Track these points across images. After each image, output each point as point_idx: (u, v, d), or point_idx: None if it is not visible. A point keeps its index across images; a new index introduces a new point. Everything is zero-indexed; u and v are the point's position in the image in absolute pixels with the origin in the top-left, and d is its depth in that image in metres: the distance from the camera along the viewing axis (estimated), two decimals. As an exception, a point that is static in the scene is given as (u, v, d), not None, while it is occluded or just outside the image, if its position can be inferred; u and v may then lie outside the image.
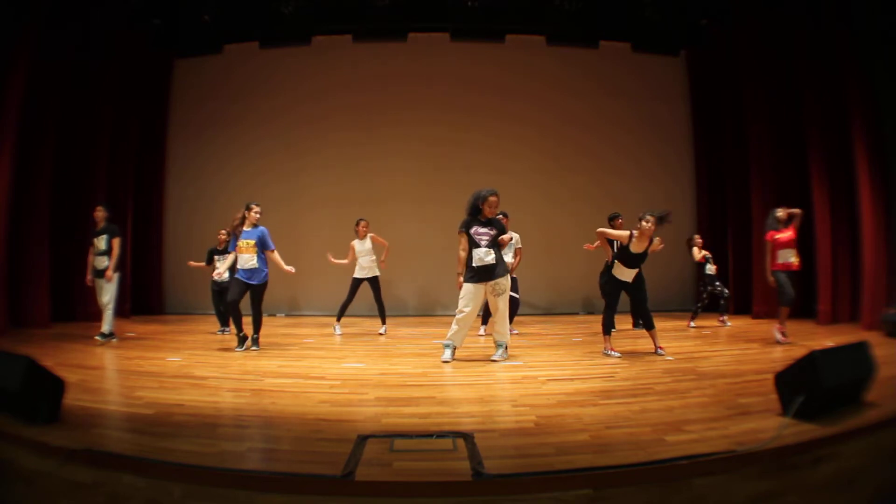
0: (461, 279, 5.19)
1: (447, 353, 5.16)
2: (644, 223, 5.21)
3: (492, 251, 5.07)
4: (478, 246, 5.08)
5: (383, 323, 7.63)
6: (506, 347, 5.28)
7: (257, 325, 5.98)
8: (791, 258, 6.12)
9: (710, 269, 7.97)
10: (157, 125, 10.38)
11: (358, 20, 10.20)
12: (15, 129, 7.00)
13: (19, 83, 6.98)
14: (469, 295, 5.12)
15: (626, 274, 5.43)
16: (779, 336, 6.07)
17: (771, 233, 6.23)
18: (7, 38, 6.87)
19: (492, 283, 5.08)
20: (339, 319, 7.65)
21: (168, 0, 9.66)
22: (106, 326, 6.33)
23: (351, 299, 7.54)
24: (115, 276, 6.41)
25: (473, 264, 5.08)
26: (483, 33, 10.42)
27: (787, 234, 6.16)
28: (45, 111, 7.74)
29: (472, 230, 5.12)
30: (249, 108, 10.44)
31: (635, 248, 5.31)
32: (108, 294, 6.35)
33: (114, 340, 6.34)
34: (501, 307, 5.15)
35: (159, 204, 10.47)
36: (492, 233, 5.13)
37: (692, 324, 7.79)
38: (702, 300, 8.00)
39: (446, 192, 9.45)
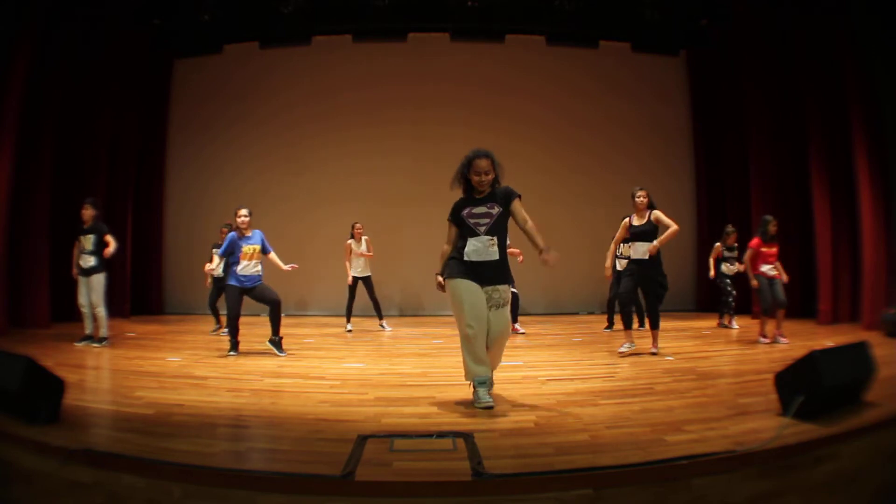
0: (440, 278, 3.61)
1: (482, 393, 3.44)
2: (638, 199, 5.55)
3: (495, 241, 3.46)
4: (474, 234, 3.45)
5: (380, 318, 7.97)
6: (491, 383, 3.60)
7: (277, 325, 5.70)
8: (772, 271, 6.20)
9: (729, 268, 7.66)
10: (157, 125, 10.38)
11: (358, 20, 10.20)
12: (15, 128, 6.99)
13: (19, 83, 6.97)
14: (461, 297, 3.40)
15: (638, 251, 5.47)
16: (761, 339, 6.13)
17: (757, 241, 6.25)
18: (7, 37, 6.86)
19: (489, 288, 3.48)
20: (349, 320, 7.98)
21: (168, 0, 9.66)
22: (100, 328, 6.08)
23: (353, 298, 7.93)
24: (102, 275, 6.12)
25: (466, 258, 3.44)
26: (483, 33, 10.42)
27: (772, 250, 6.23)
28: (45, 111, 7.73)
29: (465, 212, 3.50)
30: (249, 108, 10.43)
31: (636, 221, 5.56)
32: (95, 293, 6.04)
33: (99, 345, 5.99)
34: (504, 326, 3.54)
35: (159, 204, 10.46)
36: (493, 211, 3.46)
37: (734, 324, 7.69)
38: (725, 298, 7.75)
39: (447, 192, 9.42)
